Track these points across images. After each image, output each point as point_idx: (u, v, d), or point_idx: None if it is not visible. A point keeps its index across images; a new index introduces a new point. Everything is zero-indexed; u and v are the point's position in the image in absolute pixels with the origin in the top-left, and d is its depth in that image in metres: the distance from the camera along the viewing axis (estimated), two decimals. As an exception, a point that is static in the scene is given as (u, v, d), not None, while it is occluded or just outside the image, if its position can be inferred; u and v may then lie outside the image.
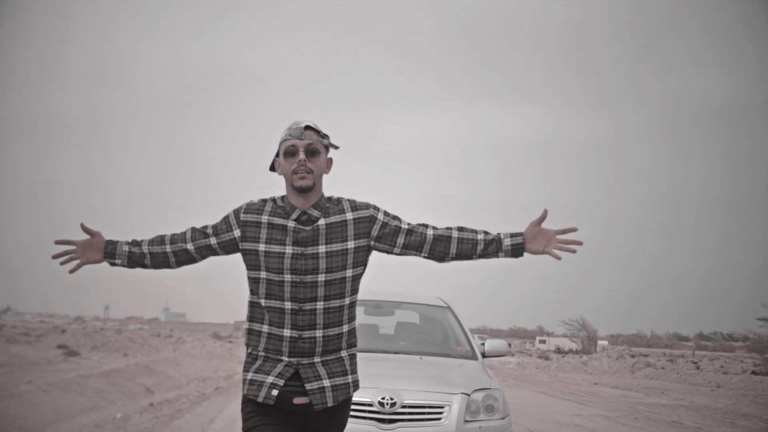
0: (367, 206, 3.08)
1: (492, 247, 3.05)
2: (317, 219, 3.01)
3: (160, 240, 3.12)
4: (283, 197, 3.08)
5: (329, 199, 3.09)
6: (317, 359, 2.99)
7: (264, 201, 3.08)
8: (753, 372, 28.15)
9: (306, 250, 2.98)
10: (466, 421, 5.00)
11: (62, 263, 3.11)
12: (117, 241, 3.12)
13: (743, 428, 11.28)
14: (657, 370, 31.22)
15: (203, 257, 3.12)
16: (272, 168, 3.14)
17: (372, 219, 3.06)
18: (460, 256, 3.08)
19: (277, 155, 3.07)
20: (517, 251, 3.05)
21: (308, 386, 2.96)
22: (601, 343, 60.56)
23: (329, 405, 2.97)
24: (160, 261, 3.11)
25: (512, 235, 3.06)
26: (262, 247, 2.99)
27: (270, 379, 2.96)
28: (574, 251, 3.04)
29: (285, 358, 2.98)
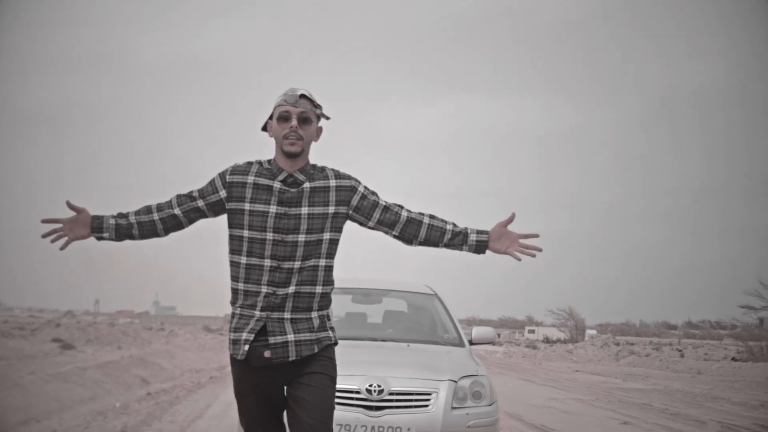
0: (349, 177, 3.24)
1: (458, 239, 3.23)
2: (302, 182, 3.15)
3: (147, 210, 3.20)
4: (269, 160, 3.21)
5: (314, 166, 3.22)
6: (287, 315, 3.10)
7: (249, 163, 3.21)
8: (733, 359, 28.89)
9: (289, 210, 3.12)
10: (454, 408, 5.04)
11: (52, 241, 3.16)
12: (103, 216, 3.17)
13: (710, 409, 11.92)
14: (641, 357, 31.92)
15: (191, 221, 3.23)
16: (264, 128, 3.27)
17: (353, 189, 3.21)
18: (427, 242, 3.25)
19: (271, 117, 3.20)
20: (480, 247, 3.24)
21: (271, 340, 3.08)
22: (590, 332, 61.17)
23: (291, 359, 3.08)
24: (147, 230, 3.20)
25: (479, 232, 3.24)
26: (247, 206, 3.12)
27: (243, 335, 3.09)
28: (533, 255, 3.23)
29: (257, 312, 3.10)
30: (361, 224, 3.26)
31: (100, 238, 3.18)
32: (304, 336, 3.12)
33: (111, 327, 39.39)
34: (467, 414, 5.06)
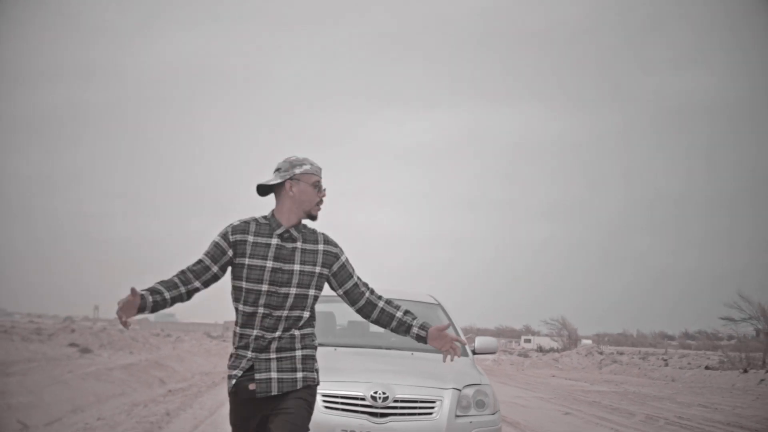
0: (336, 245, 3.64)
1: (402, 328, 3.67)
2: (296, 239, 3.55)
3: (174, 285, 3.52)
4: (264, 216, 3.59)
5: (305, 226, 3.61)
6: (273, 355, 3.48)
7: (246, 222, 3.56)
8: (706, 367, 30.51)
9: (284, 266, 3.50)
10: (457, 416, 5.11)
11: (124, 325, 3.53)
12: (144, 297, 3.46)
13: (649, 406, 13.86)
14: (622, 366, 33.53)
15: (208, 287, 3.60)
16: (264, 189, 3.59)
17: (336, 257, 3.61)
18: (378, 322, 3.69)
19: (292, 179, 3.54)
20: (420, 340, 3.68)
21: (257, 376, 3.47)
22: (586, 342, 62.44)
23: (273, 393, 3.45)
24: (177, 301, 3.57)
25: (420, 327, 3.66)
26: (247, 261, 3.49)
27: (235, 372, 3.50)
28: (458, 355, 3.70)
29: (249, 353, 3.50)
30: (332, 288, 3.65)
31: (142, 314, 3.56)
32: (287, 375, 3.49)
33: (121, 333, 41.19)
34: (470, 422, 5.14)
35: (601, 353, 39.53)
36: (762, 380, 22.57)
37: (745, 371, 25.22)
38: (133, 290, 3.43)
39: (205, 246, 3.60)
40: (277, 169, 3.61)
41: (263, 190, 3.61)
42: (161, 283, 3.53)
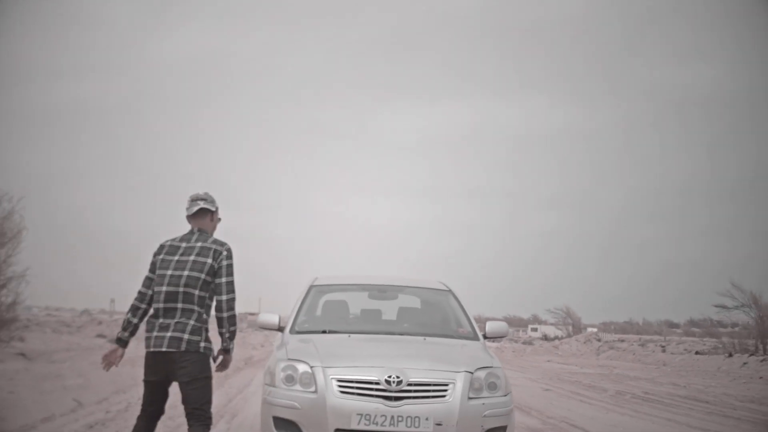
0: None
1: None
2: None
3: None
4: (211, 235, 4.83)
5: None
6: None
7: None
8: (696, 352, 31.77)
9: None
10: (470, 398, 5.22)
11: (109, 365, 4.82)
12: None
13: (624, 384, 15.50)
14: (618, 352, 34.76)
15: None
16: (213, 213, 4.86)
17: None
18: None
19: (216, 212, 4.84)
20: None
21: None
22: (591, 330, 63.48)
23: None
24: None
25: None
26: None
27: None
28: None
29: None
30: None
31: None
32: None
33: (143, 324, 43.00)
34: (483, 404, 5.25)
35: (599, 340, 40.67)
36: (745, 363, 23.85)
37: (730, 355, 26.41)
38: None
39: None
40: (203, 199, 4.74)
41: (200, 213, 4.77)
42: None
